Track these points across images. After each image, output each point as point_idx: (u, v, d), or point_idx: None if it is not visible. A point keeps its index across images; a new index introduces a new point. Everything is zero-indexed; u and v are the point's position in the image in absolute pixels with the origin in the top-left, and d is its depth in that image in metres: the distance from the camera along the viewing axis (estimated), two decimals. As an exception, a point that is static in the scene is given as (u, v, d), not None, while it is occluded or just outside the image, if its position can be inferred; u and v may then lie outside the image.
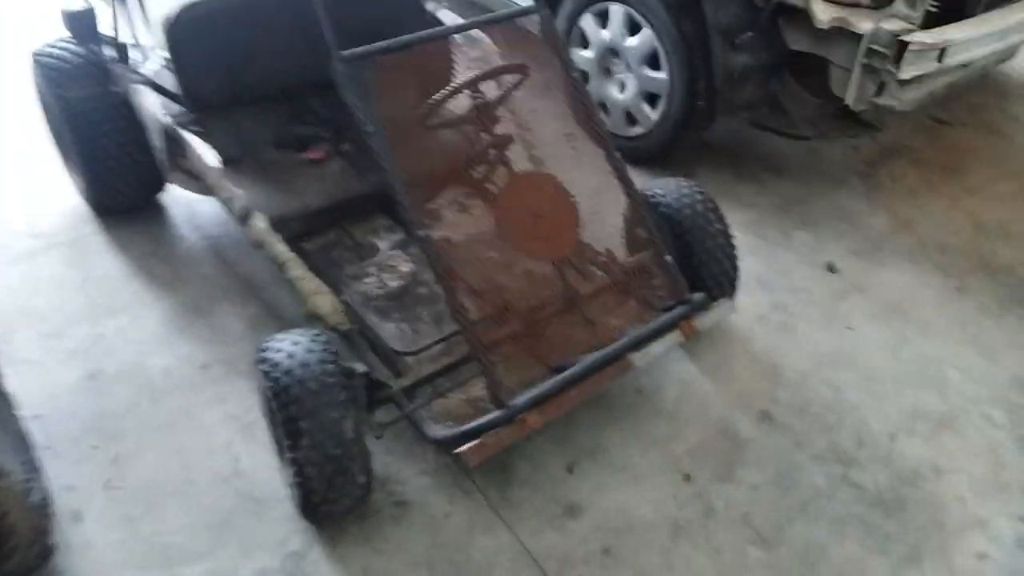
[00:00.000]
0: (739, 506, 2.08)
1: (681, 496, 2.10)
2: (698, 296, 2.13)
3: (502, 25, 2.08)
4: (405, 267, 2.46)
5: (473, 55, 2.07)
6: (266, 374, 1.78)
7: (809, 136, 2.94)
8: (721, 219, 2.34)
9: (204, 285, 2.68)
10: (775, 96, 2.94)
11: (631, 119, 3.22)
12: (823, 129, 2.94)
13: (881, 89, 2.71)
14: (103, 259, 2.79)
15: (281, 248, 2.16)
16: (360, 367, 1.88)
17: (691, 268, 2.29)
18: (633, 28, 3.04)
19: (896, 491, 2.14)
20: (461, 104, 2.17)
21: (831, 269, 2.88)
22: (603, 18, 3.13)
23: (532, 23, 2.14)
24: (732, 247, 2.34)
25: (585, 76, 3.31)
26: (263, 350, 1.84)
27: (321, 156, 2.58)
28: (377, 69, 1.85)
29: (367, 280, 2.40)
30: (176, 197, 2.99)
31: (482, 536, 1.98)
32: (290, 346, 1.81)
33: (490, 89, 2.16)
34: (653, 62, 3.01)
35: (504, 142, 2.20)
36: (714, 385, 2.43)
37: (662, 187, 2.39)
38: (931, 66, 2.62)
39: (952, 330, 2.66)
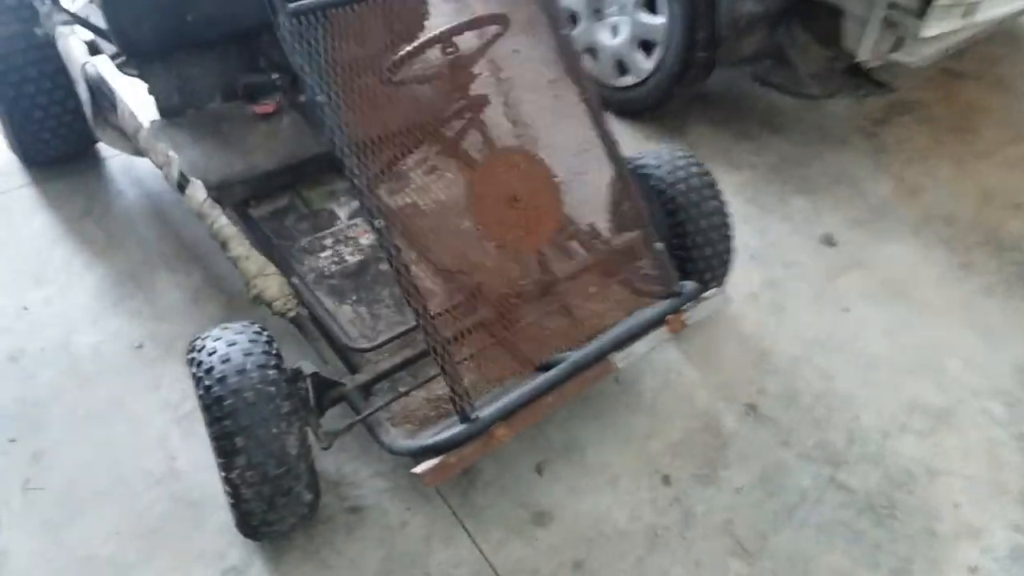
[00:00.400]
0: (721, 512, 1.94)
1: (659, 500, 1.95)
2: (689, 286, 1.92)
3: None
4: (365, 239, 2.23)
5: (447, 3, 1.79)
6: (197, 380, 1.57)
7: (815, 95, 2.69)
8: (718, 195, 2.12)
9: (142, 250, 2.44)
10: (781, 48, 2.67)
11: (622, 68, 2.94)
12: (831, 87, 2.69)
13: (898, 44, 2.45)
14: (30, 219, 2.53)
15: (223, 222, 1.92)
16: (308, 368, 1.68)
17: (683, 248, 2.08)
18: (627, -34, 2.73)
19: (887, 495, 2.01)
20: (432, 60, 1.90)
21: (829, 242, 2.68)
22: (595, -48, 2.82)
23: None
24: (728, 227, 2.13)
25: (573, 17, 3.02)
26: (194, 349, 1.62)
27: (271, 110, 2.30)
28: (331, 25, 1.57)
29: (322, 254, 2.17)
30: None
31: (441, 548, 1.82)
32: (225, 347, 1.59)
33: (465, 43, 1.89)
34: (650, 5, 2.72)
35: (479, 103, 1.95)
36: (698, 373, 2.25)
37: (655, 156, 2.16)
38: (957, 23, 2.36)
39: (954, 312, 2.49)
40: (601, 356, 1.77)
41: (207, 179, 2.08)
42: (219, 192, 2.10)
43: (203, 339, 1.64)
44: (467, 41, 1.85)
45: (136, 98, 2.19)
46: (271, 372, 1.57)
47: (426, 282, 1.90)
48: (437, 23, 1.84)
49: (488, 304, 1.84)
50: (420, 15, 1.73)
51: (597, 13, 2.92)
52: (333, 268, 2.13)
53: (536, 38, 1.89)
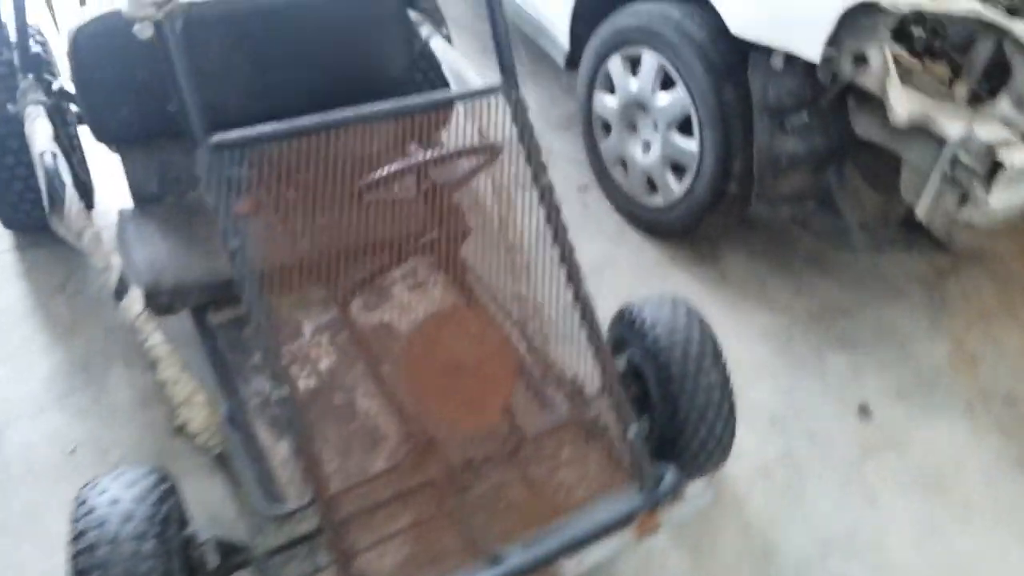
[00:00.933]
0: None
1: None
2: (668, 479, 1.66)
3: (447, 108, 1.61)
4: (325, 361, 2.03)
5: (400, 141, 1.62)
6: (70, 541, 1.38)
7: (861, 249, 2.39)
8: (722, 367, 1.85)
9: (104, 337, 2.32)
10: (828, 190, 2.39)
11: (653, 186, 2.70)
12: (881, 241, 2.39)
13: (963, 201, 2.15)
14: (3, 289, 2.45)
15: (156, 340, 1.77)
16: (203, 535, 1.48)
17: (674, 424, 1.82)
18: (667, 83, 2.51)
19: None
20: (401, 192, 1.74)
21: (865, 413, 2.37)
22: (634, 64, 2.61)
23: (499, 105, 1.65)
24: (731, 406, 1.85)
25: (607, 126, 2.81)
26: (78, 500, 1.45)
27: (246, 209, 2.14)
28: (262, 163, 1.42)
29: (276, 375, 1.99)
30: (109, 217, 2.60)
31: None
32: (105, 506, 1.41)
33: (425, 183, 1.73)
34: (685, 127, 2.50)
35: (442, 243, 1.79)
36: (686, 562, 1.97)
37: (653, 310, 1.91)
38: (1032, 192, 2.06)
39: (1000, 521, 2.14)
40: (549, 560, 1.53)
41: (162, 281, 1.94)
42: (172, 297, 1.96)
43: (90, 489, 1.46)
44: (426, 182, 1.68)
45: (112, 179, 2.09)
46: (149, 544, 1.37)
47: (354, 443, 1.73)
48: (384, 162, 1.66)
49: (424, 472, 1.64)
50: (366, 152, 1.56)
51: (631, 126, 2.71)
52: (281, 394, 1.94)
53: (516, 185, 1.68)
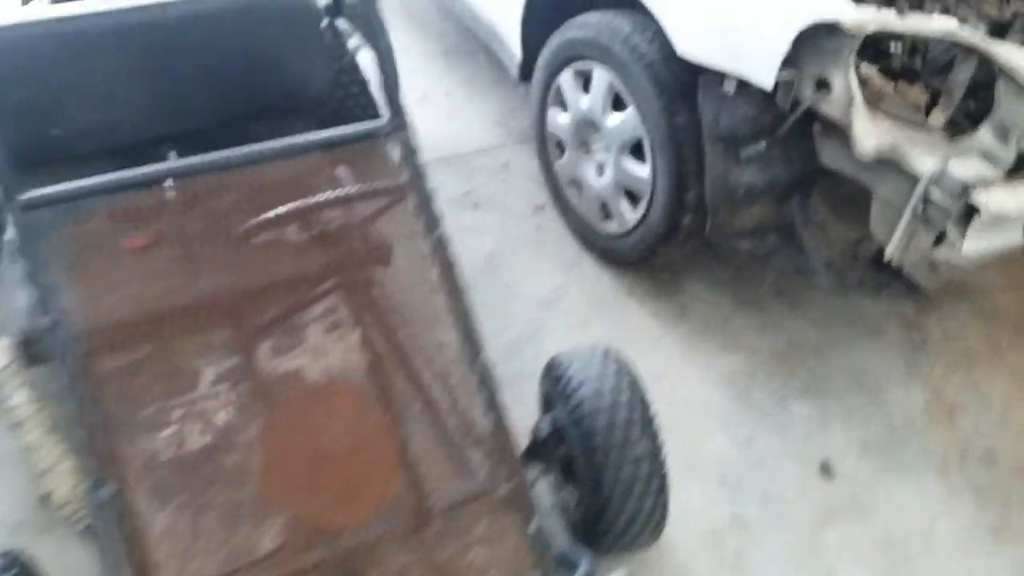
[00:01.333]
0: None
1: None
2: (581, 570, 1.48)
3: (326, 153, 1.42)
4: (221, 416, 1.86)
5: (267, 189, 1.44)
6: None
7: (826, 289, 2.19)
8: (653, 434, 1.68)
9: (-6, 379, 2.13)
10: (791, 223, 2.19)
11: (607, 210, 2.51)
12: (848, 281, 2.19)
13: (940, 240, 1.95)
14: None
15: (19, 399, 1.61)
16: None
17: (598, 498, 1.64)
18: (618, 103, 2.31)
19: None
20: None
21: (827, 471, 2.17)
22: (587, 80, 2.41)
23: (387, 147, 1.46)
24: (662, 479, 1.68)
25: (560, 145, 2.62)
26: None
27: (142, 243, 1.97)
28: (88, 222, 1.25)
29: (163, 433, 1.82)
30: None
31: None
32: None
33: (318, 226, 1.54)
34: (637, 151, 2.30)
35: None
36: (614, 646, 1.78)
37: (580, 366, 1.74)
38: (1013, 238, 1.85)
39: (973, 598, 1.95)
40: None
41: (38, 324, 1.77)
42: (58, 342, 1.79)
43: None
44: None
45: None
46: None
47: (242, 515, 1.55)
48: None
49: (313, 554, 1.47)
50: (227, 204, 1.39)
51: (584, 146, 2.51)
52: (168, 454, 1.77)
53: (407, 235, 1.50)
